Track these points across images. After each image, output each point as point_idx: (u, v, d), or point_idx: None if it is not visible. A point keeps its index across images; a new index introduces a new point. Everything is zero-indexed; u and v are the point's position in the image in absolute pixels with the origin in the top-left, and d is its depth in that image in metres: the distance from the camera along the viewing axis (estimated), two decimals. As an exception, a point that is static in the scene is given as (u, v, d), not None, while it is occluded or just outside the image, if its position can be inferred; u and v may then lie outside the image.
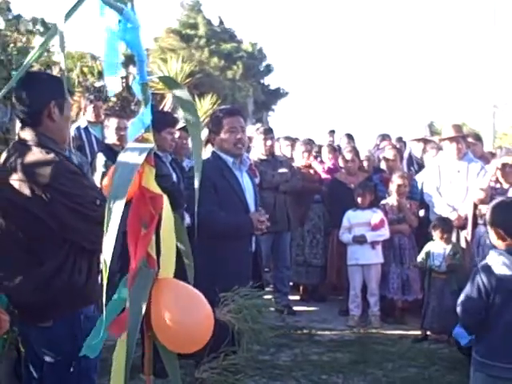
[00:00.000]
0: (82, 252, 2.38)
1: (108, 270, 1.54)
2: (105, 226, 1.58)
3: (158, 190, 1.74)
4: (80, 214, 2.30)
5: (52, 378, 2.39)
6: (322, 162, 7.36)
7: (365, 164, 7.01)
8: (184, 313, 1.71)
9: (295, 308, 6.51)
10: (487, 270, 2.95)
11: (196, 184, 1.75)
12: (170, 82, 1.85)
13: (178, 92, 1.78)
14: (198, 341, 1.77)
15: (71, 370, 2.35)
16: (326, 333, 5.76)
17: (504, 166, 5.36)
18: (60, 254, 2.34)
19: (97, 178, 5.06)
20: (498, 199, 3.51)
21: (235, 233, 3.87)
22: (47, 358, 2.37)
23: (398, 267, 6.05)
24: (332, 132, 10.01)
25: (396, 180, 6.19)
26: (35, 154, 2.34)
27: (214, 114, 4.00)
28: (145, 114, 1.68)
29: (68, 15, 1.54)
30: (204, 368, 1.89)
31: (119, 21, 1.56)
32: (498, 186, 5.43)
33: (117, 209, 1.56)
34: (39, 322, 2.37)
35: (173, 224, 1.78)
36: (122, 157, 1.64)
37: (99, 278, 2.56)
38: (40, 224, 2.30)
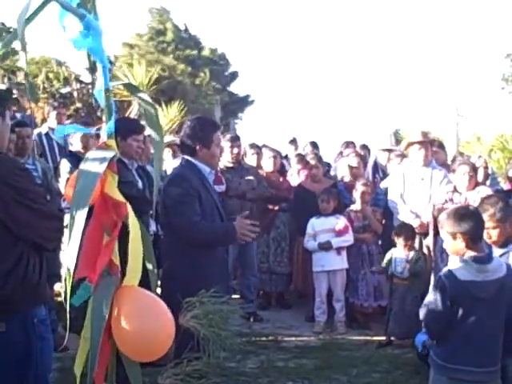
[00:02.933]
0: (35, 250, 2.38)
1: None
2: (68, 233, 1.57)
3: (120, 197, 1.73)
4: (32, 210, 2.31)
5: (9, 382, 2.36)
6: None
7: None
8: (143, 322, 1.70)
9: (262, 315, 6.51)
10: (451, 276, 2.95)
11: (155, 192, 1.76)
12: (133, 89, 1.86)
13: (141, 99, 1.79)
14: (158, 350, 1.76)
15: (28, 373, 2.35)
16: (292, 339, 5.77)
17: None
18: (14, 251, 2.33)
19: (61, 185, 5.01)
20: (459, 206, 3.53)
21: (219, 242, 3.84)
22: (3, 363, 2.35)
23: (367, 273, 6.08)
24: (293, 141, 9.41)
25: (359, 187, 6.24)
26: None
27: (202, 126, 3.80)
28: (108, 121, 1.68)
29: (29, 20, 1.53)
30: (167, 374, 1.88)
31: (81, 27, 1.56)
32: (455, 195, 5.57)
33: (80, 216, 1.56)
34: None
35: (139, 231, 1.77)
36: (85, 164, 1.64)
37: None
38: None
